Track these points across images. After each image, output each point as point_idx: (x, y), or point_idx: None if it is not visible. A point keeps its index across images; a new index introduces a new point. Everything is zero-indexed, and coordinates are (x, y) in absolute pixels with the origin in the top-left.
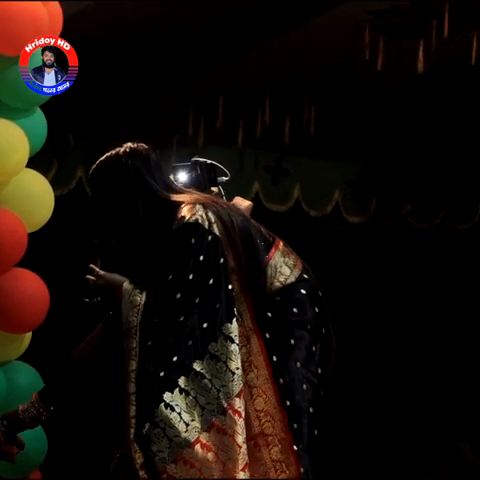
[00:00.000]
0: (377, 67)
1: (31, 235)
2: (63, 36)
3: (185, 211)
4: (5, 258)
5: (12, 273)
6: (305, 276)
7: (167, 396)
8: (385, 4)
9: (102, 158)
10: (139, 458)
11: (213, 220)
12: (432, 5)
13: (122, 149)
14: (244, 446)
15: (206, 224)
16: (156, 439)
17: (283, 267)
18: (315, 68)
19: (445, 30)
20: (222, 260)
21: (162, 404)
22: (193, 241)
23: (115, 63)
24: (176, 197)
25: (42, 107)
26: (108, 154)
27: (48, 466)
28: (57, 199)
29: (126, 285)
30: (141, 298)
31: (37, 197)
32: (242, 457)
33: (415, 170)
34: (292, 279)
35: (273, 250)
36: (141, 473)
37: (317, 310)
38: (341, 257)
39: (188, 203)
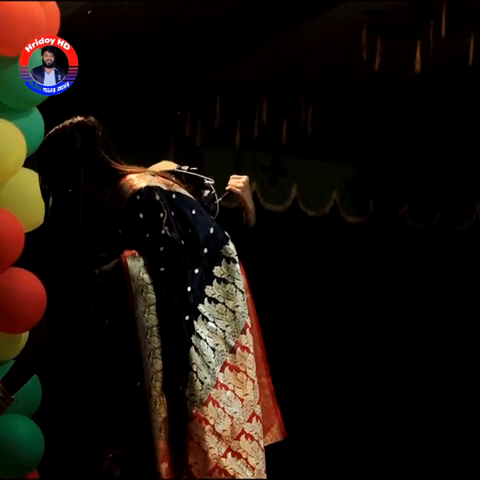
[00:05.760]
0: (375, 68)
1: (28, 235)
2: (61, 36)
3: (136, 180)
4: (2, 258)
5: (9, 273)
6: None
7: (193, 338)
8: (383, 5)
9: (51, 131)
10: (163, 412)
11: (170, 183)
12: (430, 6)
13: (69, 121)
14: (256, 380)
15: (165, 187)
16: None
17: None
18: (312, 68)
19: (443, 31)
20: (194, 211)
21: (192, 348)
22: (158, 198)
23: (112, 63)
24: (123, 168)
25: (39, 107)
26: (56, 127)
27: (46, 466)
28: None
29: (136, 281)
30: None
31: (34, 197)
32: (256, 391)
33: (413, 170)
34: None
35: None
36: (162, 428)
37: None
38: (339, 257)
39: (137, 174)
